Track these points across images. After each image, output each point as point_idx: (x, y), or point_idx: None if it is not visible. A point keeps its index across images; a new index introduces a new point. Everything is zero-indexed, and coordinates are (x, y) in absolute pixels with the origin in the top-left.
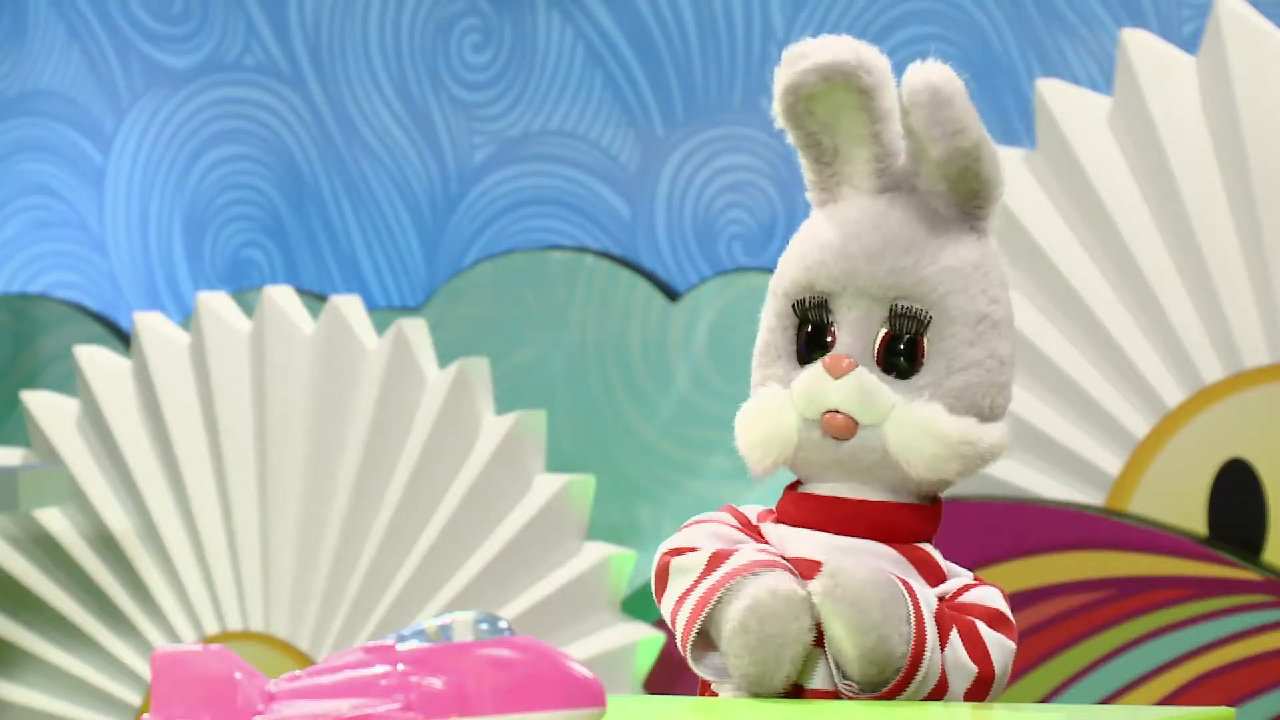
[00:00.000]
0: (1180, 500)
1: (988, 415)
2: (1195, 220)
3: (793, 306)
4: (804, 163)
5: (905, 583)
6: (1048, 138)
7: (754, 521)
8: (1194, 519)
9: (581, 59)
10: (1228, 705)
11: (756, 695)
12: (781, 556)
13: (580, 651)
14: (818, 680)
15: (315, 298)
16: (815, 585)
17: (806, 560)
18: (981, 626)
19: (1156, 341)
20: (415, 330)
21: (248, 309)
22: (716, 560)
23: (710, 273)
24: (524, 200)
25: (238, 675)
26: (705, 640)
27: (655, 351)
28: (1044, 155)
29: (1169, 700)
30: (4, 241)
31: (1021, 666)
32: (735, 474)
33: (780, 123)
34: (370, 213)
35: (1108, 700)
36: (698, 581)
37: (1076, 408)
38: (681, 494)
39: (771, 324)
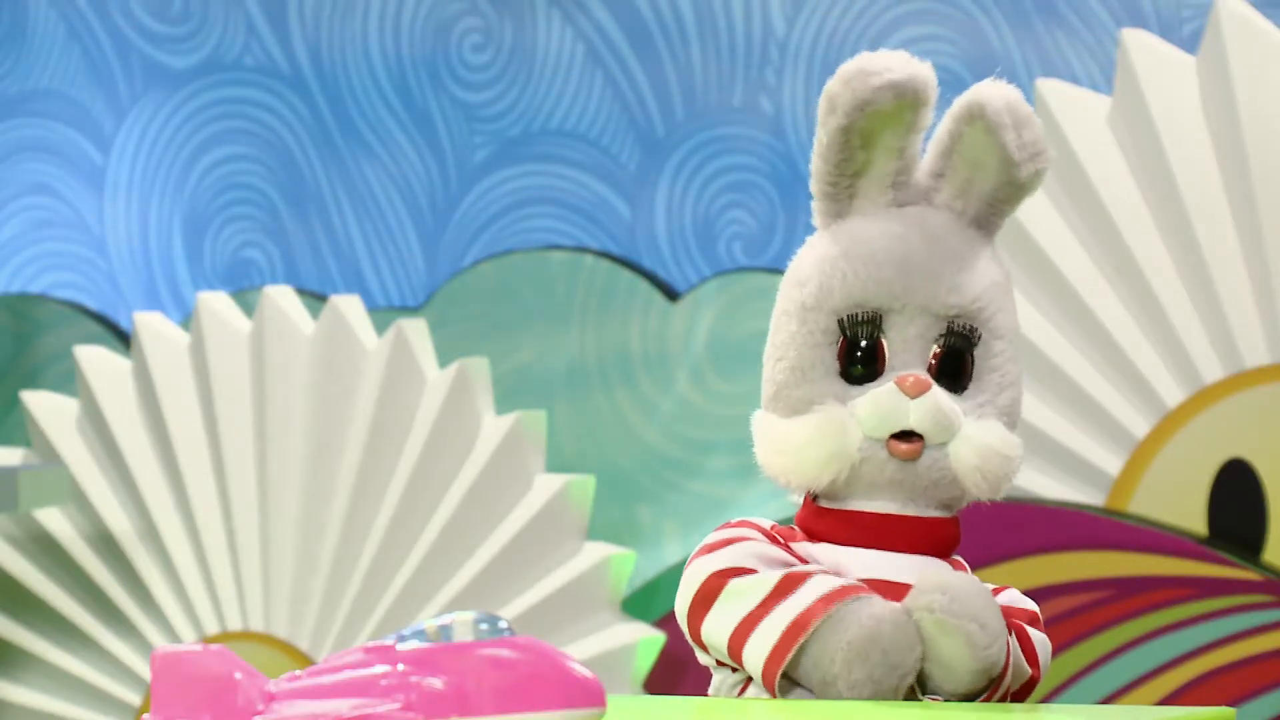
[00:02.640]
0: (1180, 500)
1: (1016, 428)
2: (1195, 220)
3: (839, 321)
4: (825, 173)
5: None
6: (1048, 138)
7: (779, 538)
8: (1194, 519)
9: (581, 59)
10: (1228, 705)
11: None
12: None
13: (580, 651)
14: None
15: (315, 298)
16: (925, 603)
17: (879, 581)
18: (1030, 630)
19: (1156, 341)
20: (415, 330)
21: (248, 309)
22: (791, 584)
23: (710, 273)
24: (524, 200)
25: (238, 675)
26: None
27: (655, 351)
28: None
29: (1169, 700)
30: (4, 241)
31: None
32: (735, 474)
33: (829, 135)
34: (370, 213)
35: (1108, 700)
36: (769, 605)
37: (1076, 408)
38: (681, 494)
39: (807, 340)
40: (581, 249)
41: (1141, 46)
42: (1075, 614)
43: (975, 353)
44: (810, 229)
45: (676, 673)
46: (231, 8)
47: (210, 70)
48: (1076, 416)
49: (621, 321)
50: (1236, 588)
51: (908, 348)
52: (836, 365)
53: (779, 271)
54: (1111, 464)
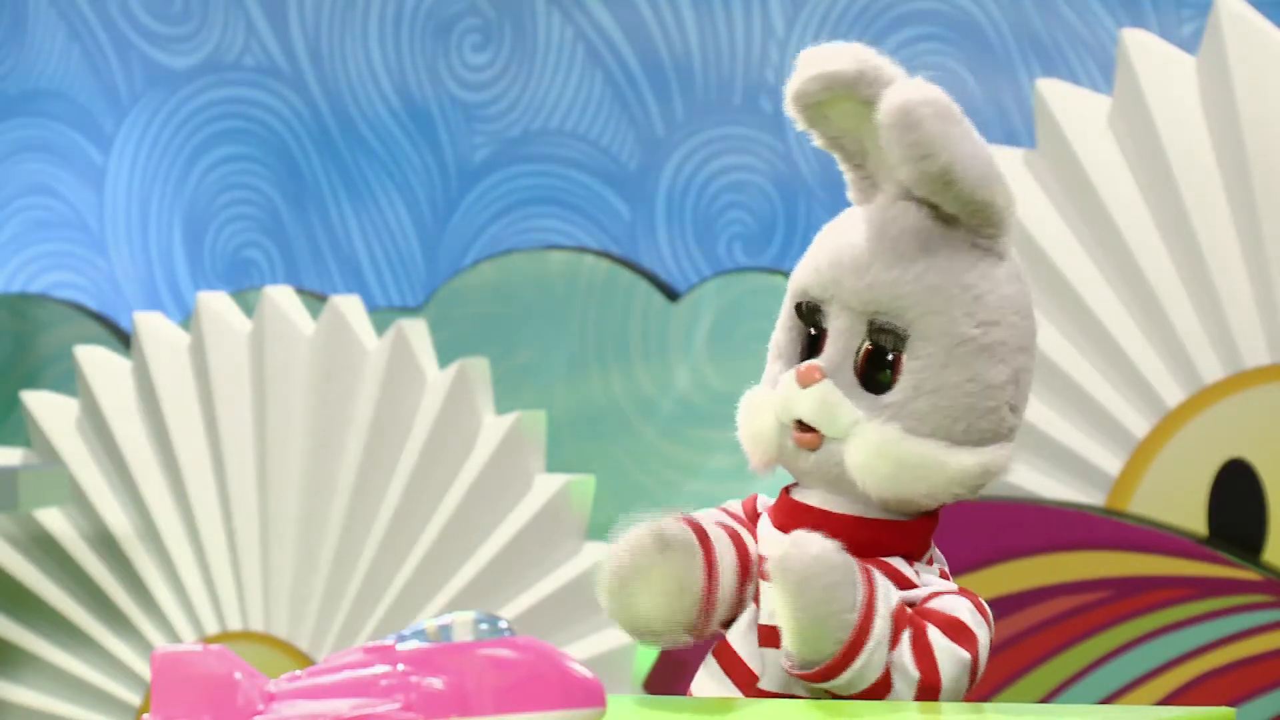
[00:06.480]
0: (1180, 500)
1: (962, 439)
2: (1195, 220)
3: (796, 308)
4: (839, 164)
5: (869, 574)
6: (1048, 138)
7: (759, 511)
8: (1194, 519)
9: (581, 59)
10: (1228, 705)
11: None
12: (734, 536)
13: (580, 651)
14: (771, 682)
15: (315, 298)
16: (771, 555)
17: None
18: (933, 632)
19: (1156, 341)
20: (415, 330)
21: (248, 309)
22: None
23: (710, 273)
24: (524, 200)
25: (238, 675)
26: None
27: (655, 351)
28: (1044, 155)
29: (1169, 700)
30: (4, 241)
31: (1021, 666)
32: (735, 474)
33: (798, 126)
34: (370, 213)
35: (1108, 700)
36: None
37: (1076, 408)
38: (681, 494)
39: (781, 321)
40: (581, 249)
41: (1141, 46)
42: (1075, 614)
43: (904, 354)
44: (811, 229)
45: (676, 673)
46: (231, 8)
47: (210, 70)
48: (1076, 416)
49: (621, 321)
50: (1236, 588)
51: (836, 341)
52: (795, 350)
53: (779, 271)
54: (1111, 464)
